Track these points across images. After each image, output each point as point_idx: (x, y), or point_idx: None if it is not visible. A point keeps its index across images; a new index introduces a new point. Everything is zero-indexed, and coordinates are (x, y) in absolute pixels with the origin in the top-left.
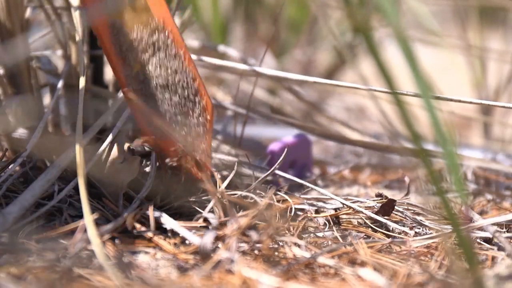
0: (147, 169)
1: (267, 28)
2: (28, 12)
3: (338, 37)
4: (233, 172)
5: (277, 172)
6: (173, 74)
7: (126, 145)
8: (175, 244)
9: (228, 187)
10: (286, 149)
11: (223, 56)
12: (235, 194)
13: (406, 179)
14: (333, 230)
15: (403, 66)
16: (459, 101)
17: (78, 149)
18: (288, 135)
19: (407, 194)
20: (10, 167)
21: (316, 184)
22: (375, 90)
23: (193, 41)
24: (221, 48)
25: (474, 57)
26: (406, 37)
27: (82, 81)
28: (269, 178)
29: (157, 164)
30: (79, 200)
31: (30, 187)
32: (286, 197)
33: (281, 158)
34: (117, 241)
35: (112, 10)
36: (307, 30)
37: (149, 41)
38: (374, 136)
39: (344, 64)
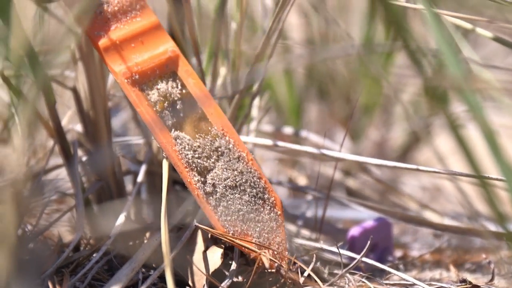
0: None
1: (340, 107)
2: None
3: (413, 116)
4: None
5: (358, 257)
6: (239, 175)
7: (209, 234)
8: None
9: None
10: (368, 238)
11: (298, 138)
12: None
13: (491, 263)
14: None
15: (481, 141)
16: None
17: (164, 238)
18: (368, 219)
19: (492, 279)
20: (94, 255)
21: (397, 269)
22: (456, 174)
23: (269, 126)
24: (303, 133)
25: None
26: (488, 123)
27: (165, 168)
28: (349, 262)
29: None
30: None
31: (115, 276)
32: (369, 283)
33: (365, 249)
34: None
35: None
36: (381, 109)
37: (212, 148)
38: (453, 217)
39: (419, 142)
